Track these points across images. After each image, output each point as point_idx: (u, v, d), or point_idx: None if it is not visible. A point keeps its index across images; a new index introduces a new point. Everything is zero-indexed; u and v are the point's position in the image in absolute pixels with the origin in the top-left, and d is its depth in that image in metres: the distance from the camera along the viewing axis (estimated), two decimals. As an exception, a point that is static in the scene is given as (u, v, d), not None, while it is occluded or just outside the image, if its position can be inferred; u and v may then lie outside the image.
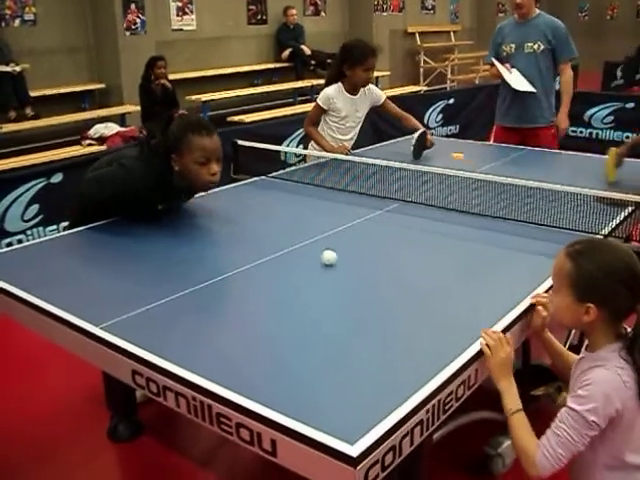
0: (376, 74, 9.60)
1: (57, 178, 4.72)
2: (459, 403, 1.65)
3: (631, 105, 7.66)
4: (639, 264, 1.66)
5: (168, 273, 2.29)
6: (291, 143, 6.35)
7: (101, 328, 1.86)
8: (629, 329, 1.68)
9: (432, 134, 4.21)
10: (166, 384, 1.65)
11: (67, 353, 2.05)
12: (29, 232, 4.65)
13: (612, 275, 1.63)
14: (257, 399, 1.48)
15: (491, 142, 5.05)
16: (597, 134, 7.86)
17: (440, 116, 8.09)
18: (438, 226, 2.71)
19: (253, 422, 1.45)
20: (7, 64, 7.58)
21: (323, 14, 12.04)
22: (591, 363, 1.68)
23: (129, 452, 2.80)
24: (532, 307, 1.95)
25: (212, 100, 8.86)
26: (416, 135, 3.86)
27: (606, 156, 3.38)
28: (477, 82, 12.54)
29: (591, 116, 7.74)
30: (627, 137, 7.68)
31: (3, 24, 7.99)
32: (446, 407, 1.59)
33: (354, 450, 1.31)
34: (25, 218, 4.63)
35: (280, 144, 5.96)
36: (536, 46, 4.43)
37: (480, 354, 1.72)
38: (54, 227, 4.71)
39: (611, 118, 7.76)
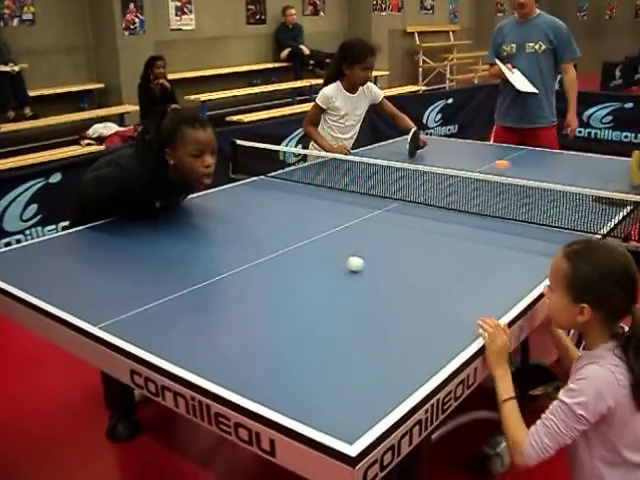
0: (375, 74, 9.58)
1: (56, 178, 4.72)
2: (458, 403, 1.65)
3: (630, 105, 7.67)
4: (635, 266, 1.69)
5: (166, 273, 2.28)
6: (290, 143, 6.35)
7: (99, 328, 1.86)
8: (626, 328, 1.69)
9: (431, 134, 4.21)
10: (165, 384, 1.64)
11: (66, 353, 2.04)
12: (28, 232, 4.65)
13: (607, 276, 1.65)
14: (256, 399, 1.48)
15: (491, 142, 5.04)
16: (596, 134, 7.87)
17: (439, 116, 8.09)
18: (437, 226, 2.71)
19: (252, 422, 1.45)
20: (6, 64, 7.58)
21: (322, 14, 12.05)
22: (586, 361, 1.70)
23: (128, 452, 2.80)
24: (531, 307, 1.95)
25: (211, 100, 8.86)
26: (410, 134, 3.90)
27: (630, 158, 3.33)
28: (476, 82, 12.55)
29: (590, 116, 7.75)
30: (626, 137, 7.70)
31: (2, 24, 8.00)
32: (445, 407, 1.59)
33: (353, 450, 1.31)
34: (24, 218, 4.63)
35: (279, 144, 5.95)
36: (537, 46, 4.43)
37: (479, 353, 1.72)
38: (53, 227, 4.71)
39: (610, 118, 7.77)
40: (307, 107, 5.33)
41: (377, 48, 3.91)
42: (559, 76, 4.72)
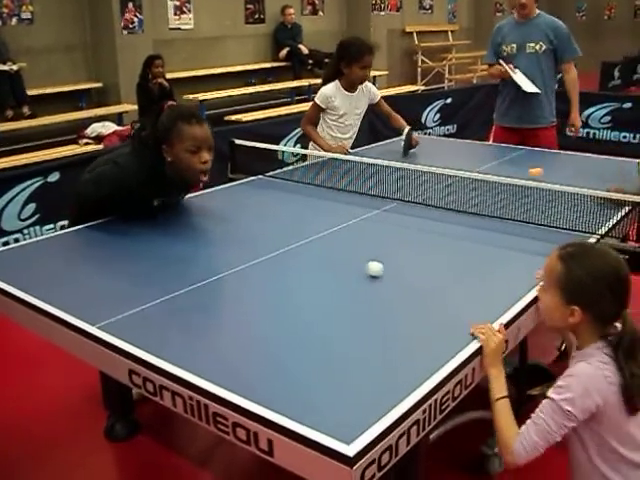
0: (374, 73, 9.60)
1: (54, 177, 4.72)
2: (456, 403, 1.65)
3: (628, 105, 7.68)
4: (627, 271, 1.72)
5: (164, 272, 2.28)
6: (288, 142, 6.35)
7: (98, 327, 1.85)
8: (619, 326, 1.71)
9: (429, 133, 4.22)
10: (163, 383, 1.64)
11: (64, 352, 2.04)
12: (26, 231, 4.65)
13: (600, 280, 1.68)
14: (254, 399, 1.48)
15: (490, 142, 5.04)
16: (594, 134, 7.87)
17: (437, 116, 8.09)
18: (436, 226, 2.71)
19: (249, 422, 1.45)
20: (4, 63, 7.58)
21: (321, 13, 12.04)
22: (577, 359, 1.74)
23: (126, 451, 2.80)
24: (529, 307, 1.96)
25: (209, 99, 8.85)
26: (404, 133, 3.92)
27: (630, 159, 3.29)
28: (475, 82, 12.56)
29: (588, 116, 7.75)
30: (624, 137, 7.70)
31: (0, 22, 7.98)
32: (443, 407, 1.59)
33: (350, 450, 1.31)
34: (22, 217, 4.62)
35: (277, 143, 5.94)
36: (538, 46, 4.43)
37: (477, 354, 1.72)
38: (51, 226, 4.71)
39: (608, 118, 7.77)
40: (306, 107, 5.32)
41: (375, 47, 3.91)
42: (558, 76, 4.72)
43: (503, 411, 1.76)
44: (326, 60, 9.11)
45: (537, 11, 4.50)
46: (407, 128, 3.96)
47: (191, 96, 8.65)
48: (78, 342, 1.88)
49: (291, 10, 10.91)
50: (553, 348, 3.06)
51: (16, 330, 2.45)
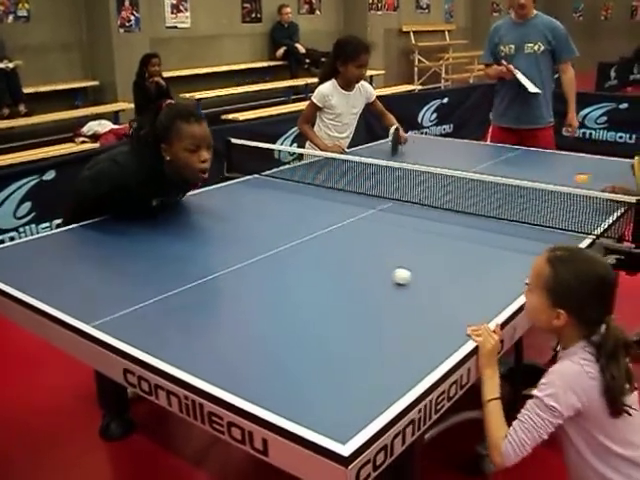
0: (370, 73, 9.61)
1: (50, 175, 4.71)
2: (451, 403, 1.66)
3: (625, 106, 7.69)
4: (614, 277, 1.73)
5: (161, 271, 2.28)
6: (285, 141, 6.35)
7: (93, 326, 1.85)
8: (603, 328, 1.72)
9: (426, 133, 4.22)
10: (158, 383, 1.64)
11: (60, 351, 2.04)
12: (21, 229, 4.64)
13: (586, 285, 1.70)
14: (249, 398, 1.48)
15: (487, 142, 5.04)
16: (591, 134, 7.88)
17: (434, 115, 8.10)
18: (432, 225, 2.71)
19: (244, 421, 1.45)
20: (0, 61, 7.54)
21: (318, 12, 12.03)
22: (562, 358, 1.77)
23: (121, 450, 2.79)
24: (525, 307, 1.96)
25: (206, 98, 8.84)
26: (391, 131, 3.94)
27: (632, 160, 3.27)
28: (471, 81, 12.57)
29: (585, 116, 7.75)
30: (620, 137, 7.71)
31: (-4, 20, 7.97)
32: (438, 407, 1.59)
33: (345, 450, 1.31)
34: (17, 215, 4.61)
35: (274, 142, 5.95)
36: (536, 47, 4.42)
37: (473, 354, 1.73)
38: (46, 224, 4.70)
39: (605, 118, 7.78)
40: (302, 106, 5.32)
41: (371, 46, 3.91)
42: (555, 76, 4.72)
43: (494, 412, 1.77)
44: (323, 59, 9.10)
45: (535, 11, 4.50)
46: (393, 127, 3.98)
47: (188, 95, 8.65)
48: (74, 341, 1.87)
49: (288, 9, 10.89)
50: (549, 348, 3.06)
51: (12, 329, 2.45)
